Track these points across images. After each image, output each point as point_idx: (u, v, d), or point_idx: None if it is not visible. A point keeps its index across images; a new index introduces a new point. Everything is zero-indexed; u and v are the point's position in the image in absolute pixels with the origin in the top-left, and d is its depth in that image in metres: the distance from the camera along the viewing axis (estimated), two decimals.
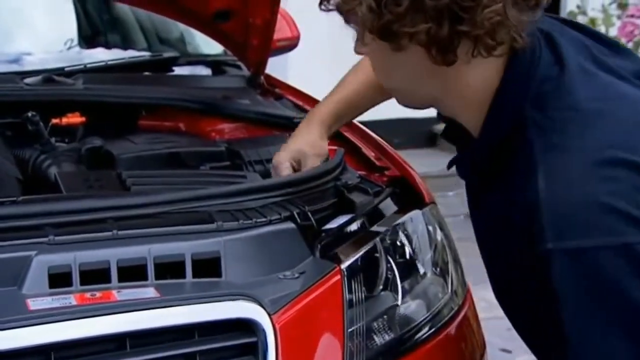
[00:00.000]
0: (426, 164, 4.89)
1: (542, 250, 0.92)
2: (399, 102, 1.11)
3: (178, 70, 2.12)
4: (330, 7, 1.00)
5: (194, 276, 1.26)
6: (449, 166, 1.13)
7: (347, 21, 1.00)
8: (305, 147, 1.48)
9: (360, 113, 1.56)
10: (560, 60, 1.00)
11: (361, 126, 1.84)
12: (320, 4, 1.01)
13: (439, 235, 1.56)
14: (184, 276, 1.25)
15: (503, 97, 0.99)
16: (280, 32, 2.23)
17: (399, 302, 1.41)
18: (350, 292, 1.33)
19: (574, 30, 1.07)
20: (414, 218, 1.52)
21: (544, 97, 0.98)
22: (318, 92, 2.82)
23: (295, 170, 1.45)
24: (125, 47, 2.31)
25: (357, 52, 1.06)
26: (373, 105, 1.53)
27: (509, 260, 1.01)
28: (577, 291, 0.91)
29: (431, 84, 1.01)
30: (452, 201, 4.03)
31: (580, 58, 1.01)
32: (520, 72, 0.98)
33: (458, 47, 0.94)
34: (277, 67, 2.88)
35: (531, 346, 1.08)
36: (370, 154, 1.73)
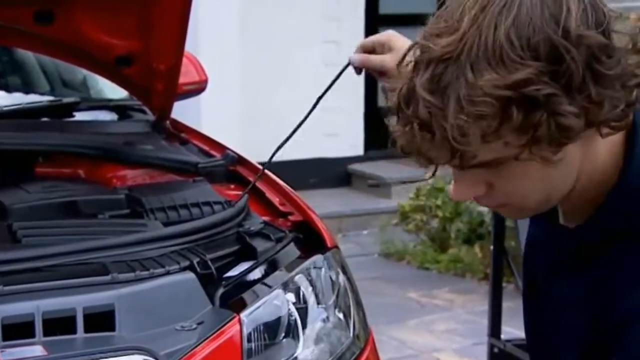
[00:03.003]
0: (341, 204, 4.93)
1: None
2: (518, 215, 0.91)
3: (80, 116, 2.07)
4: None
5: (86, 331, 1.22)
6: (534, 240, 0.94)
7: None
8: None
9: None
10: None
11: (266, 171, 1.83)
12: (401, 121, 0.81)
13: (342, 279, 1.56)
14: (75, 332, 1.21)
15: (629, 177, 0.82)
16: (188, 75, 2.20)
17: (301, 349, 1.40)
18: (249, 340, 1.31)
19: None
20: (317, 263, 1.52)
21: None
22: (231, 136, 2.80)
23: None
24: (26, 91, 2.24)
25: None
26: None
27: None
28: None
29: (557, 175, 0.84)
30: (366, 240, 4.07)
31: None
32: None
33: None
34: (189, 112, 2.85)
35: None
36: (275, 198, 1.72)
